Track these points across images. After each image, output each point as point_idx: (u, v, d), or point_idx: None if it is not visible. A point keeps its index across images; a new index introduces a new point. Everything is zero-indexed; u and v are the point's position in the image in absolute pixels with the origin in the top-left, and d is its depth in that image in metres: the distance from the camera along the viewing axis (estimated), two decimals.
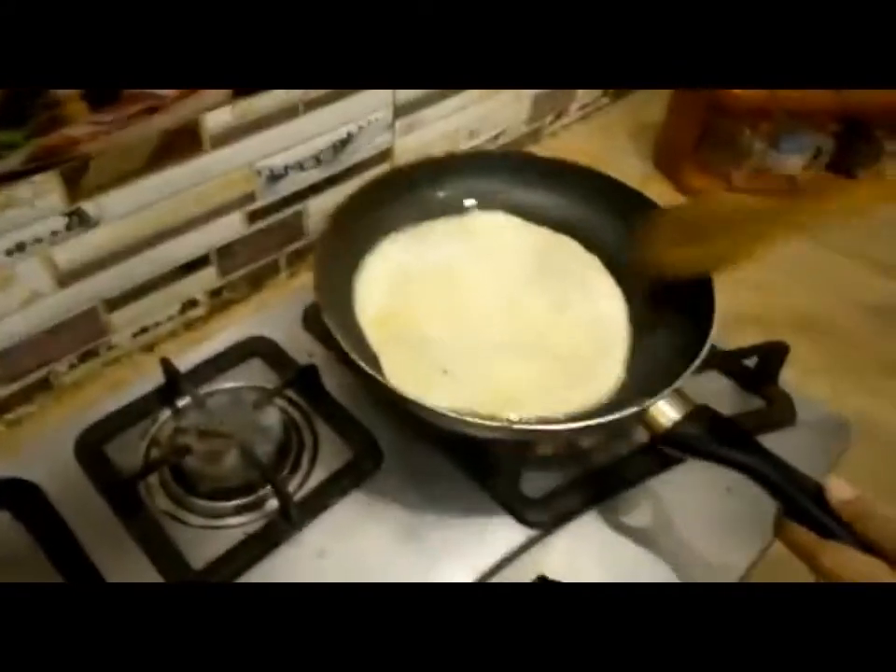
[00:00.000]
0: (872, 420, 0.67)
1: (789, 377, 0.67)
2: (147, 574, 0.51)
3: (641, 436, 0.56)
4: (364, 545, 0.54)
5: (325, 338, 0.66)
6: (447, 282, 0.64)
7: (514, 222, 0.70)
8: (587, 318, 0.63)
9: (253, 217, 0.68)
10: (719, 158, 0.92)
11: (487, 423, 0.51)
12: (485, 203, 0.71)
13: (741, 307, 0.77)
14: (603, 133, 1.02)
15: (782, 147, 0.91)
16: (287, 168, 0.67)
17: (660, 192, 0.91)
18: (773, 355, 0.63)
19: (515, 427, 0.53)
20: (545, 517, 0.56)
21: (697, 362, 0.53)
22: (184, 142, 0.59)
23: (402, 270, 0.64)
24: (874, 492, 0.56)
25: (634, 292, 0.65)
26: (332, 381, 0.63)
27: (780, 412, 0.62)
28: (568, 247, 0.69)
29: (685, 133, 0.91)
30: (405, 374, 0.56)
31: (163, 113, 0.56)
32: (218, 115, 0.59)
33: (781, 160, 0.92)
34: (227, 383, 0.63)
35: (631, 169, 0.95)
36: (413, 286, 0.63)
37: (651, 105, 1.02)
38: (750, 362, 0.65)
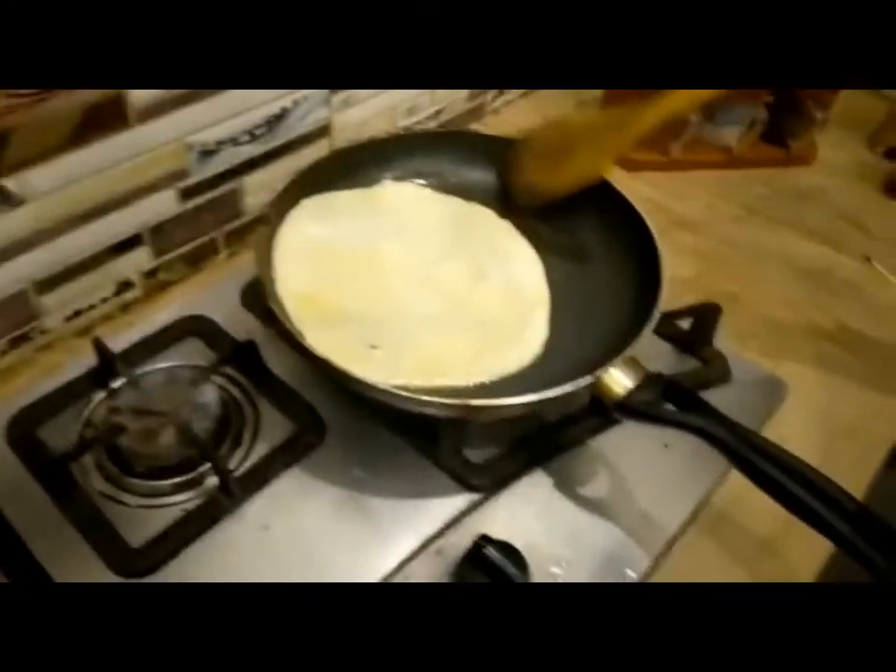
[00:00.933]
0: (801, 379, 0.69)
1: (724, 340, 0.68)
2: (85, 554, 0.50)
3: (583, 397, 0.57)
4: (308, 517, 0.54)
5: (265, 316, 0.65)
6: (365, 258, 0.63)
7: (425, 193, 0.70)
8: (506, 283, 0.63)
9: (186, 194, 0.67)
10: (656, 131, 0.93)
11: (436, 400, 0.50)
12: (434, 185, 0.71)
13: (677, 273, 0.78)
14: (546, 109, 1.02)
15: (718, 119, 0.93)
16: (219, 143, 0.66)
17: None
18: (706, 316, 0.64)
19: (471, 403, 0.51)
20: (488, 480, 0.56)
21: (648, 328, 0.53)
22: (109, 116, 0.57)
23: (317, 244, 0.63)
24: (803, 446, 0.58)
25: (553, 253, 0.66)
26: (274, 358, 0.62)
27: (715, 371, 0.64)
28: (482, 215, 0.69)
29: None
30: (333, 353, 0.55)
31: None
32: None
33: (717, 131, 0.94)
34: (163, 363, 0.62)
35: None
36: (330, 261, 0.63)
37: None
38: (685, 324, 0.67)
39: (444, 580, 0.51)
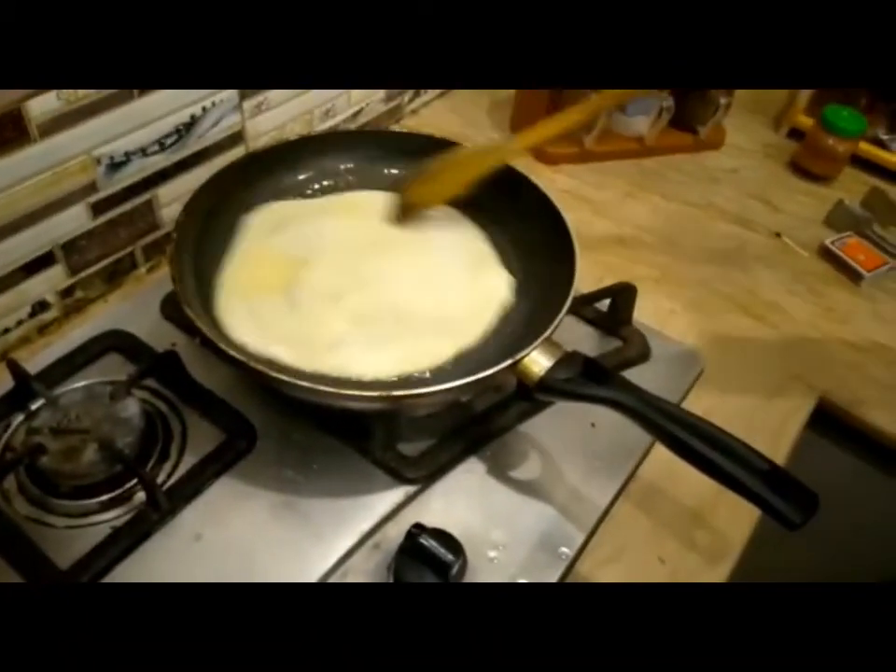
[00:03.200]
0: (719, 352, 0.72)
1: (646, 320, 0.70)
2: (11, 580, 0.49)
3: (510, 383, 0.58)
4: (243, 524, 0.54)
5: (186, 326, 0.64)
6: (294, 255, 0.64)
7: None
8: (433, 277, 0.64)
9: (97, 208, 0.66)
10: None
11: (359, 393, 0.50)
12: (347, 183, 0.71)
13: (598, 260, 0.80)
14: (461, 108, 1.04)
15: (628, 110, 0.96)
16: (128, 154, 0.65)
17: (520, 161, 0.94)
18: (623, 296, 0.66)
19: (393, 393, 0.51)
20: (422, 473, 0.56)
21: (564, 310, 0.55)
22: (8, 132, 0.56)
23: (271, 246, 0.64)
24: (725, 417, 0.61)
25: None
26: (200, 368, 0.62)
27: (635, 349, 0.66)
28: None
29: (536, 105, 0.94)
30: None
31: None
32: (44, 101, 0.57)
33: (628, 122, 0.97)
34: (83, 380, 0.60)
35: (490, 141, 0.98)
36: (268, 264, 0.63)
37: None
38: (603, 306, 0.69)
39: (382, 572, 0.51)
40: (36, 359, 0.62)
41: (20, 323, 0.66)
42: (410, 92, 0.98)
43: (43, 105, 0.57)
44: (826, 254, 0.86)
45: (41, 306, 0.67)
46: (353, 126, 0.90)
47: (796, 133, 1.02)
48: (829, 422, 0.72)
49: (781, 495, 0.45)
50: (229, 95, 0.71)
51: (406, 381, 0.55)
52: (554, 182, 0.92)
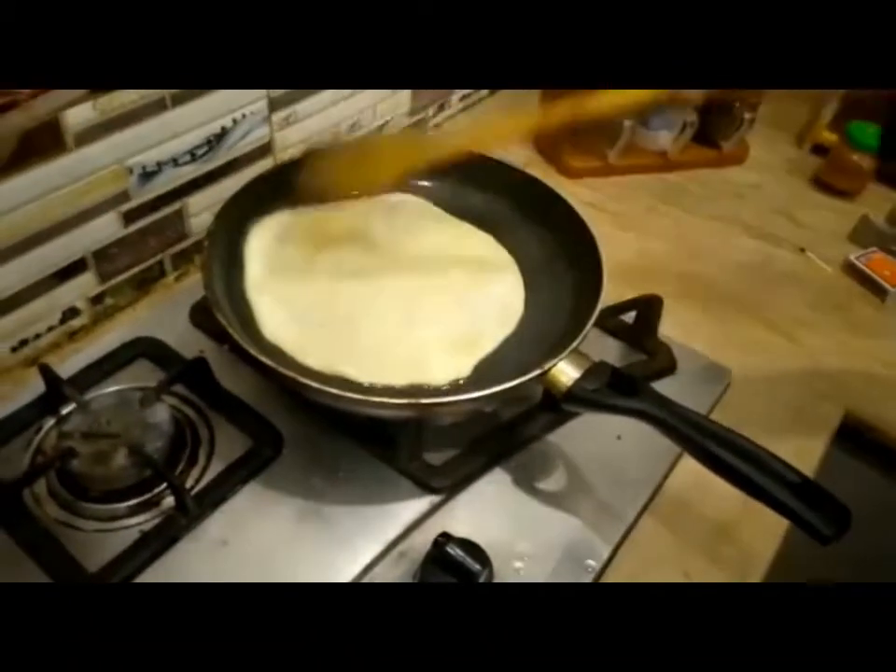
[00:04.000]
0: (745, 365, 0.72)
1: (671, 333, 0.70)
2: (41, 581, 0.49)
3: (536, 394, 0.58)
4: (269, 530, 0.54)
5: (215, 333, 0.65)
6: (328, 265, 0.64)
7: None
8: (464, 288, 0.64)
9: (129, 217, 0.67)
10: (593, 138, 0.96)
11: (388, 400, 0.51)
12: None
13: (622, 272, 0.80)
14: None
15: (652, 125, 0.97)
16: (160, 164, 0.66)
17: (542, 174, 0.93)
18: (649, 308, 0.66)
19: (420, 401, 0.52)
20: (448, 482, 0.56)
21: (592, 321, 0.55)
22: (45, 141, 0.57)
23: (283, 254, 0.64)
24: (751, 430, 0.60)
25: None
26: (229, 374, 0.62)
27: (661, 361, 0.66)
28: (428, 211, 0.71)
29: None
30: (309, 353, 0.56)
31: (19, 111, 0.54)
32: (79, 112, 0.58)
33: (652, 136, 0.97)
34: (113, 386, 0.61)
35: (514, 155, 0.98)
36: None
37: (528, 94, 1.06)
38: (628, 318, 0.69)
39: (407, 581, 0.51)
40: (66, 365, 0.62)
41: (50, 329, 0.67)
42: (434, 106, 0.99)
43: (79, 115, 0.58)
44: (851, 269, 0.85)
45: (72, 312, 0.68)
46: None
47: (819, 149, 1.02)
48: (855, 438, 0.72)
49: (813, 508, 0.44)
50: (258, 107, 0.72)
51: (432, 389, 0.55)
52: (577, 195, 0.91)
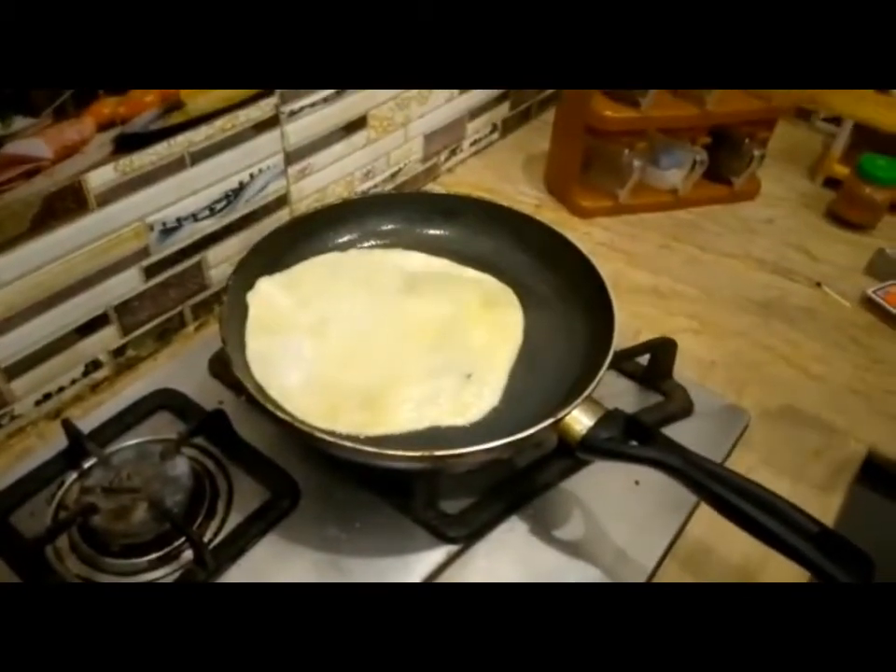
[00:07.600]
0: (763, 405, 0.71)
1: (687, 373, 0.70)
2: None
3: (552, 440, 0.58)
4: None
5: (234, 384, 0.66)
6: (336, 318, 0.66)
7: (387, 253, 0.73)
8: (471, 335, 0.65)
9: (149, 271, 0.68)
10: (604, 178, 0.97)
11: (401, 453, 0.51)
12: (387, 244, 0.74)
13: (635, 312, 0.81)
14: (496, 166, 1.06)
15: (662, 164, 0.97)
16: (179, 220, 0.68)
17: (554, 215, 0.95)
18: (663, 350, 0.66)
19: (434, 453, 0.52)
20: (465, 531, 0.56)
21: (604, 368, 0.55)
22: (68, 202, 0.59)
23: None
24: (771, 472, 0.59)
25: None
26: (246, 425, 0.63)
27: (677, 404, 0.65)
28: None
29: (570, 159, 0.96)
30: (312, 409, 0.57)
31: (43, 176, 0.56)
32: (101, 173, 0.60)
33: (662, 175, 0.98)
34: (134, 439, 0.62)
35: (525, 197, 1.00)
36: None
37: (538, 136, 1.08)
38: (643, 359, 0.69)
39: None
40: (89, 417, 0.64)
41: (73, 382, 0.68)
42: (446, 152, 1.01)
43: (101, 176, 0.60)
44: (869, 303, 0.85)
45: (94, 365, 0.69)
46: (391, 186, 0.93)
47: (832, 182, 1.02)
48: (880, 476, 0.70)
49: (833, 559, 0.44)
50: (275, 161, 0.74)
51: (445, 438, 0.55)
52: (590, 235, 0.93)
